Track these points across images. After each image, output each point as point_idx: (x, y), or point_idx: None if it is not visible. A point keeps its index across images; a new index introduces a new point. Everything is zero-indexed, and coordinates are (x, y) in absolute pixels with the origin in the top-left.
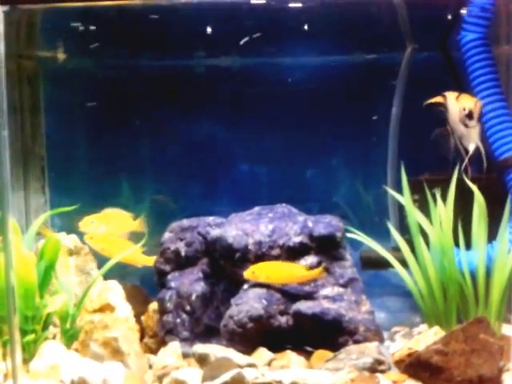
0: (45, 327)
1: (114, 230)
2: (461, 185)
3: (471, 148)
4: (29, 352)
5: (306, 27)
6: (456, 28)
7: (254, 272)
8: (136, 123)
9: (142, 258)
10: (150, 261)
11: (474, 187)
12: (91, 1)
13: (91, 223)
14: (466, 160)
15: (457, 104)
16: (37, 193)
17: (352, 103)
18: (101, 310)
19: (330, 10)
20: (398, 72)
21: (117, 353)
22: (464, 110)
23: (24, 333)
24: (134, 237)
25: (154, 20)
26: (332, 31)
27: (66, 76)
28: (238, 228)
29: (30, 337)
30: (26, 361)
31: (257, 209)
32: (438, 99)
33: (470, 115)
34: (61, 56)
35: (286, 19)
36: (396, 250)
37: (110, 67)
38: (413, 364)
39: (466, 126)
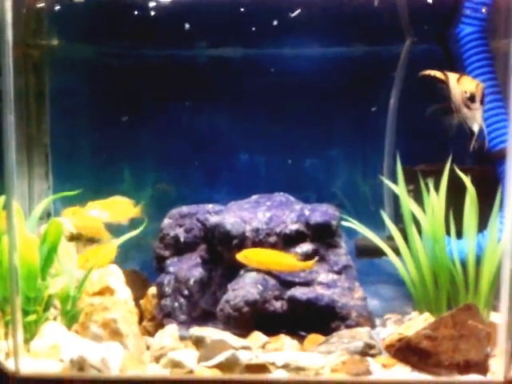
0: (46, 308)
1: (116, 216)
2: (454, 175)
3: (476, 129)
4: (30, 332)
5: (305, 19)
6: (454, 21)
7: (246, 256)
8: (138, 112)
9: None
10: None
11: (465, 178)
12: None
13: (94, 208)
14: (473, 141)
15: (458, 86)
16: (40, 179)
17: (350, 94)
18: (101, 292)
19: (330, 2)
20: (397, 64)
21: (116, 334)
22: (466, 92)
23: (26, 313)
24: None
25: (156, 9)
26: (331, 23)
27: (71, 65)
28: (237, 215)
29: (32, 317)
30: (27, 340)
31: (255, 197)
32: (438, 75)
33: (472, 98)
34: (67, 45)
35: (287, 10)
36: (390, 238)
37: (114, 56)
38: (402, 349)
39: (468, 108)
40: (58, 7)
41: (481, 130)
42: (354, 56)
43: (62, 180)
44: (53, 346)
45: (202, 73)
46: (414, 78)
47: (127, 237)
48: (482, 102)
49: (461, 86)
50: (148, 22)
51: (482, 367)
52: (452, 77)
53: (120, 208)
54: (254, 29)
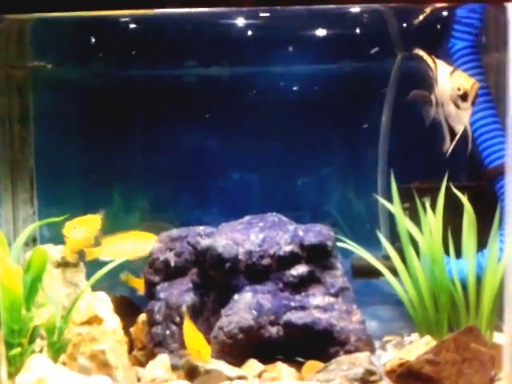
0: (31, 340)
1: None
2: (451, 193)
3: (459, 129)
4: (15, 366)
5: (295, 36)
6: (446, 36)
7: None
8: (126, 133)
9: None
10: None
11: (462, 196)
12: (81, 11)
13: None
14: (454, 142)
15: (450, 80)
16: (25, 204)
17: (342, 112)
18: (88, 322)
19: (320, 19)
20: (388, 80)
21: (104, 366)
22: (459, 89)
23: (10, 346)
24: None
25: (143, 30)
26: (321, 40)
27: (55, 86)
28: (229, 237)
29: (16, 350)
30: (11, 375)
31: (247, 218)
32: (427, 59)
33: (464, 96)
34: (51, 66)
35: (276, 28)
36: (387, 258)
37: (100, 77)
38: (404, 374)
39: (457, 106)
40: (41, 28)
41: (464, 132)
42: (344, 73)
43: (48, 205)
44: (39, 380)
45: (192, 92)
46: (406, 94)
47: (116, 263)
48: (473, 103)
49: (454, 81)
50: (134, 42)
51: None
52: (442, 67)
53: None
54: (241, 47)
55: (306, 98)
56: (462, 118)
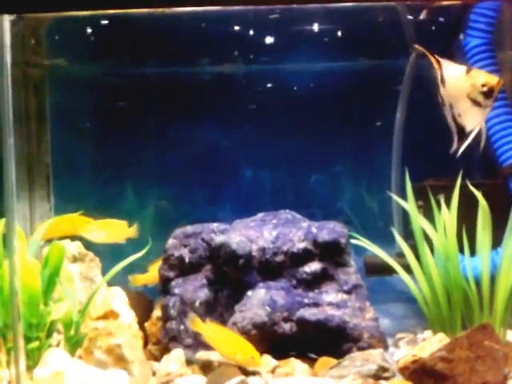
0: (49, 334)
1: (110, 237)
2: (465, 190)
3: (475, 129)
4: (33, 359)
5: (309, 34)
6: (460, 33)
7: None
8: (141, 130)
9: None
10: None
11: (477, 193)
12: (97, 9)
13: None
14: (469, 140)
15: (467, 78)
16: (42, 200)
17: (356, 109)
18: (105, 316)
19: (335, 17)
20: (402, 78)
21: (120, 360)
22: (483, 86)
23: (28, 340)
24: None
25: (158, 28)
26: (336, 38)
27: (71, 84)
28: (242, 234)
29: (34, 344)
30: (29, 368)
31: (261, 215)
32: (429, 58)
33: (489, 93)
34: (67, 64)
35: (291, 26)
36: (400, 256)
37: (116, 75)
38: (417, 371)
39: (477, 103)
40: (57, 26)
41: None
42: (359, 70)
43: (64, 201)
44: (56, 374)
45: (206, 89)
46: (420, 92)
47: (131, 258)
48: (494, 100)
49: (475, 78)
50: (150, 40)
51: None
52: (448, 66)
53: (114, 229)
54: (256, 45)
55: (320, 96)
56: (480, 116)
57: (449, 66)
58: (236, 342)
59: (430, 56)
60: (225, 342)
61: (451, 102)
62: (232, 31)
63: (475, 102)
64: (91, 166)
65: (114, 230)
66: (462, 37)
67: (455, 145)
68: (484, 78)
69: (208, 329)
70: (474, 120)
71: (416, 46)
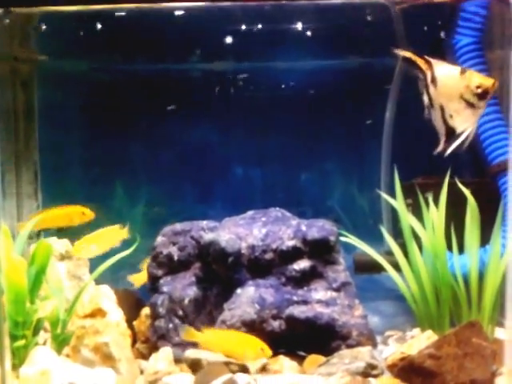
0: (35, 332)
1: (106, 246)
2: (454, 189)
3: (466, 130)
4: (19, 358)
5: (300, 31)
6: (450, 32)
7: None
8: (130, 127)
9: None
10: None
11: (466, 191)
12: (86, 4)
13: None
14: (460, 141)
15: (462, 79)
16: (29, 198)
17: (346, 108)
18: (92, 315)
19: (325, 15)
20: (392, 76)
21: (108, 358)
22: (478, 87)
23: (14, 338)
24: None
25: (149, 24)
26: (326, 36)
27: (60, 80)
28: (232, 232)
29: (21, 342)
30: (15, 367)
31: (250, 213)
32: (416, 60)
33: (483, 95)
34: (55, 59)
35: (281, 23)
36: (389, 253)
37: (105, 71)
38: (405, 368)
39: (470, 105)
40: (46, 21)
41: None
42: (348, 69)
43: (52, 198)
44: (43, 372)
45: (195, 87)
46: (409, 91)
47: (118, 256)
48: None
49: (470, 79)
50: (139, 37)
51: None
52: (440, 67)
53: (108, 236)
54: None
55: (309, 94)
56: (472, 118)
57: (440, 66)
58: (239, 340)
59: (416, 59)
60: (227, 343)
61: (442, 102)
62: (222, 28)
63: (468, 104)
64: (80, 164)
65: (105, 239)
66: (443, 36)
67: (442, 145)
68: (479, 79)
69: (205, 336)
70: (466, 121)
71: (399, 52)
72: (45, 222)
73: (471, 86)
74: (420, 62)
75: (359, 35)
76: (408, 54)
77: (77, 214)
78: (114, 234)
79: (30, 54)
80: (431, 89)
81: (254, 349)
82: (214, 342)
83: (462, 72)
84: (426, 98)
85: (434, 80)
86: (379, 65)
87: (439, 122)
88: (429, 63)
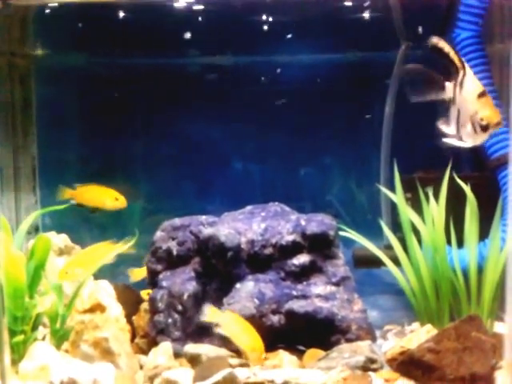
0: (34, 328)
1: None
2: (453, 183)
3: (464, 145)
4: (18, 353)
5: (299, 25)
6: (450, 26)
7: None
8: (128, 122)
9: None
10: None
11: (465, 186)
12: None
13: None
14: (456, 144)
15: (476, 103)
16: (28, 192)
17: (345, 102)
18: (91, 310)
19: (324, 8)
20: (392, 70)
21: (107, 353)
22: (482, 120)
23: (13, 333)
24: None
25: (147, 18)
26: (326, 29)
27: (58, 74)
28: (231, 227)
29: (19, 337)
30: (14, 362)
31: (249, 208)
32: (454, 58)
33: (485, 128)
34: (53, 54)
35: (280, 17)
36: (388, 248)
37: (103, 65)
38: (405, 362)
39: (474, 129)
40: (44, 15)
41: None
42: (348, 62)
43: (50, 193)
44: (42, 367)
45: (195, 81)
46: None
47: (118, 251)
48: (489, 134)
49: (480, 107)
50: (139, 31)
51: (487, 380)
52: (470, 76)
53: (98, 254)
54: (246, 36)
55: (308, 88)
56: (473, 140)
57: (471, 76)
58: (252, 337)
59: (454, 54)
60: (240, 334)
61: (460, 107)
62: (222, 21)
63: (473, 126)
64: (78, 159)
65: (94, 257)
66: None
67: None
68: (486, 112)
69: (225, 317)
70: (468, 138)
71: (435, 40)
72: (80, 196)
73: (479, 114)
74: (457, 59)
75: (358, 29)
76: (447, 47)
77: (109, 197)
78: (104, 251)
79: (27, 49)
80: (457, 89)
81: (258, 353)
82: (231, 327)
83: (480, 95)
84: (449, 93)
85: (461, 84)
86: (378, 59)
87: (453, 120)
88: (463, 65)
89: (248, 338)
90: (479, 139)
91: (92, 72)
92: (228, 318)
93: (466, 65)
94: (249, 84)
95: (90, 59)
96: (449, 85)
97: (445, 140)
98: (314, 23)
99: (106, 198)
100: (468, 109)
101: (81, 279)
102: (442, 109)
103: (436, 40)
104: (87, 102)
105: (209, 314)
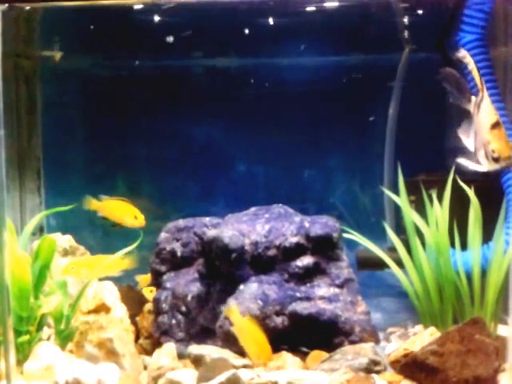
0: (39, 328)
1: (101, 273)
2: (457, 185)
3: (479, 169)
4: (23, 353)
5: (303, 28)
6: (454, 29)
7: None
8: (133, 124)
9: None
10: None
11: (468, 189)
12: (89, 0)
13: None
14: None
15: (489, 133)
16: (32, 193)
17: (349, 104)
18: (96, 310)
19: (328, 11)
20: (396, 73)
21: (112, 354)
22: (493, 152)
23: (18, 333)
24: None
25: (152, 20)
26: (329, 32)
27: (63, 76)
28: (235, 228)
29: (25, 338)
30: (19, 362)
31: (253, 209)
32: (475, 76)
33: (496, 159)
34: (59, 55)
35: (284, 20)
36: (392, 250)
37: (108, 67)
38: (408, 365)
39: (486, 156)
40: (50, 17)
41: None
42: (352, 65)
43: (55, 195)
44: (46, 368)
45: (199, 83)
46: (413, 87)
47: (122, 252)
48: (502, 166)
49: (493, 138)
50: (144, 33)
51: (491, 383)
52: (487, 101)
53: (105, 265)
54: (249, 38)
55: (312, 90)
56: (487, 166)
57: (487, 104)
58: (261, 345)
59: (476, 73)
60: (253, 341)
61: (476, 129)
62: (224, 23)
63: (486, 154)
64: (83, 160)
65: (101, 266)
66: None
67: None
68: (498, 145)
69: (242, 323)
70: (483, 162)
71: (461, 53)
72: (104, 209)
73: (491, 145)
74: (478, 79)
75: (362, 32)
76: (472, 64)
77: (129, 215)
78: (112, 264)
79: (33, 50)
80: (475, 110)
81: (265, 359)
82: (243, 331)
83: (493, 126)
84: (472, 107)
85: (478, 106)
86: (382, 61)
87: (473, 134)
88: (483, 88)
89: (257, 344)
90: (491, 167)
91: (96, 74)
92: (242, 320)
93: (485, 89)
94: (253, 87)
95: (95, 61)
96: (474, 99)
97: (461, 161)
98: (316, 26)
99: (126, 215)
100: (482, 136)
101: (84, 279)
102: (448, 115)
103: (463, 54)
104: (93, 104)
105: (228, 309)
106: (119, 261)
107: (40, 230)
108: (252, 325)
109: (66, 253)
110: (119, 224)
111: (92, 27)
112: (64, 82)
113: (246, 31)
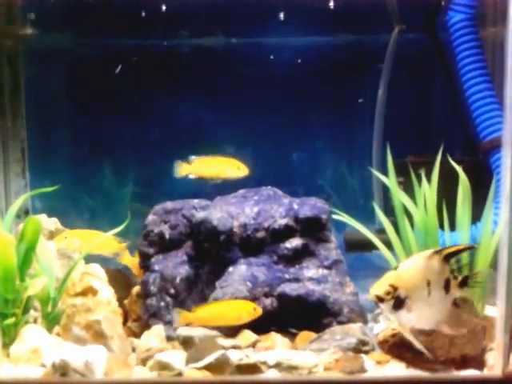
0: (25, 311)
1: (96, 249)
2: (445, 166)
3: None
4: (9, 336)
5: (290, 7)
6: (443, 9)
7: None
8: (118, 105)
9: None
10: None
11: (458, 168)
12: None
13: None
14: None
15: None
16: (17, 176)
17: (337, 85)
18: (83, 293)
19: None
20: (385, 54)
21: (99, 336)
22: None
23: (4, 316)
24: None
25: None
26: (317, 11)
27: (46, 56)
28: (223, 210)
29: (10, 320)
30: (6, 345)
31: (242, 191)
32: None
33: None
34: (42, 34)
35: None
36: (380, 232)
37: (92, 46)
38: (396, 344)
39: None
40: None
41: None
42: (340, 46)
43: (40, 176)
44: (33, 350)
45: (185, 63)
46: (402, 68)
47: (109, 234)
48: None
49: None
50: (128, 11)
51: (478, 362)
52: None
53: (100, 242)
54: (236, 18)
55: (299, 72)
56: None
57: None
58: (230, 306)
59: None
60: (220, 313)
61: None
62: (210, 2)
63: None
64: (68, 142)
65: (94, 241)
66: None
67: None
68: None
69: (198, 314)
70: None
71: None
72: (198, 168)
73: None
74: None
75: (350, 12)
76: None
77: (232, 166)
78: (106, 243)
79: (15, 29)
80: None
81: (246, 309)
82: (207, 318)
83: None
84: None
85: None
86: (371, 42)
87: None
88: None
89: (232, 313)
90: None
91: (80, 53)
92: (200, 314)
93: None
94: (240, 67)
95: (79, 40)
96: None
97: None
98: (304, 5)
99: (228, 167)
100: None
101: (75, 251)
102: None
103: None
104: (77, 84)
105: (180, 319)
106: (112, 241)
107: (25, 213)
108: (208, 305)
109: (51, 235)
110: (220, 178)
111: (77, 5)
112: (48, 62)
113: (233, 10)
